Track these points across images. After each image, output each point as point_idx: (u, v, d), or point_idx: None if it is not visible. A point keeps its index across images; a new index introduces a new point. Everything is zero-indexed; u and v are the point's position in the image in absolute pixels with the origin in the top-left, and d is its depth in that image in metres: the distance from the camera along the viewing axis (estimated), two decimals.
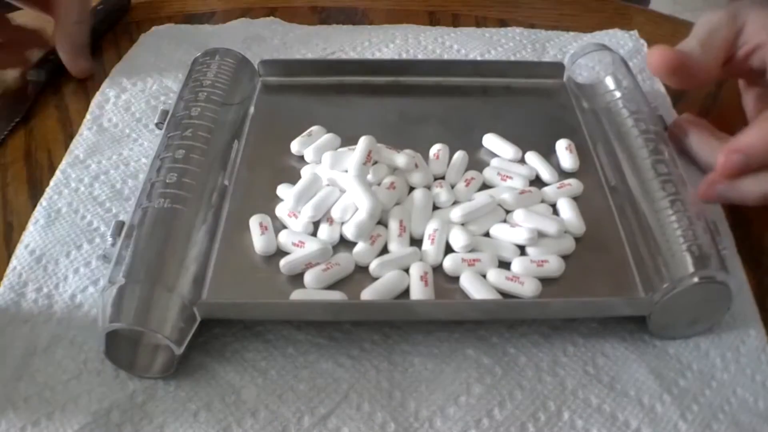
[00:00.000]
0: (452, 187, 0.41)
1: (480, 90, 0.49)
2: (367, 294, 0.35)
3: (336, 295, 0.35)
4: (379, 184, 0.40)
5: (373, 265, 0.36)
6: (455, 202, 0.40)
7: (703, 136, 0.44)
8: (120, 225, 0.37)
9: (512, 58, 0.55)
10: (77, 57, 0.52)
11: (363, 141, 0.40)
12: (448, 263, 0.37)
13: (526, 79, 0.50)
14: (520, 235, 0.37)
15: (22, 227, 0.41)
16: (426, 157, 0.43)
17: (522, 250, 0.38)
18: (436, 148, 0.43)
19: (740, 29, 0.41)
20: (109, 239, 0.37)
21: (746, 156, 0.36)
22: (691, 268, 0.34)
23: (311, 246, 0.37)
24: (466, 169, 0.42)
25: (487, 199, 0.39)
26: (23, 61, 0.53)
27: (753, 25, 0.40)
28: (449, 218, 0.39)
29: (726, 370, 0.35)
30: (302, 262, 0.36)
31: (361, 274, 0.37)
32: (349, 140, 0.44)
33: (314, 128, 0.44)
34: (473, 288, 0.36)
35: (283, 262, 0.36)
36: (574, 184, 0.41)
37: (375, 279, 0.36)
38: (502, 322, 0.37)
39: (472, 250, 0.37)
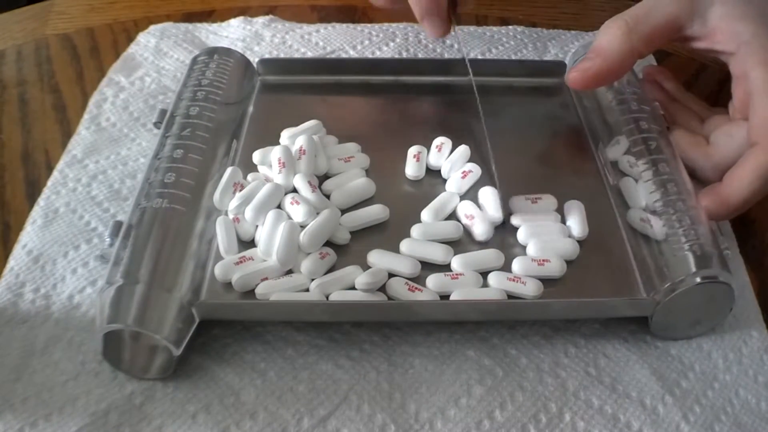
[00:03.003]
0: (445, 180, 0.42)
1: (481, 89, 0.49)
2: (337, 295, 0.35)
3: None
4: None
5: (313, 286, 0.35)
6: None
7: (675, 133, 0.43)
8: (118, 225, 0.36)
9: (513, 57, 0.54)
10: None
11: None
12: (432, 283, 0.36)
13: (527, 78, 0.49)
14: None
15: (20, 227, 0.41)
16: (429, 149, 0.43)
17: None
18: (439, 141, 0.43)
19: (690, 15, 0.40)
20: (107, 239, 0.36)
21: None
22: (693, 269, 0.34)
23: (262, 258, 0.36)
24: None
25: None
26: None
27: (718, 25, 0.40)
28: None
29: (728, 371, 0.35)
30: (257, 276, 0.35)
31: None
32: (348, 140, 0.44)
33: (311, 122, 0.44)
34: (471, 297, 0.35)
35: (235, 277, 0.35)
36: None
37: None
38: (503, 323, 0.36)
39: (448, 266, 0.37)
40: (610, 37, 0.40)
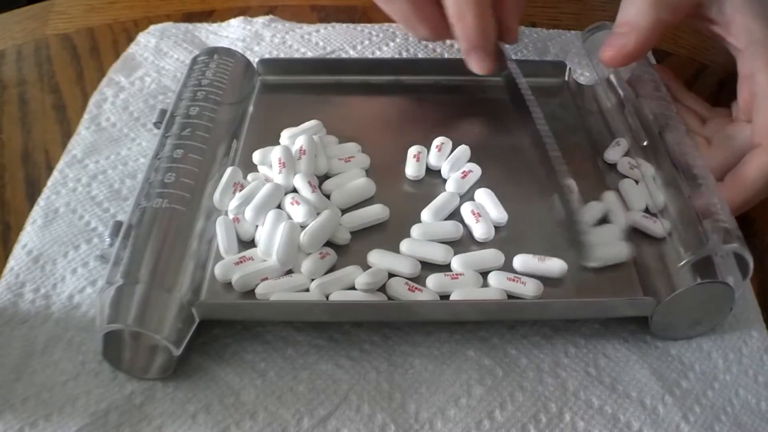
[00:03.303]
0: (445, 180, 0.42)
1: (480, 89, 0.49)
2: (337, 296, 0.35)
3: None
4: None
5: (314, 286, 0.35)
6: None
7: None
8: (118, 225, 0.36)
9: (513, 57, 0.54)
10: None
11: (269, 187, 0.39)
12: (432, 283, 0.36)
13: (527, 78, 0.49)
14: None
15: (20, 227, 0.41)
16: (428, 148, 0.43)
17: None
18: (439, 141, 0.43)
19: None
20: (107, 239, 0.36)
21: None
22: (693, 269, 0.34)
23: (262, 259, 0.36)
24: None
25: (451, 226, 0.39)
26: None
27: (733, 16, 0.40)
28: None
29: (728, 371, 0.35)
30: (257, 276, 0.35)
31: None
32: (348, 140, 0.44)
33: (311, 122, 0.44)
34: (471, 297, 0.35)
35: (235, 277, 0.35)
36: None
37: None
38: (503, 323, 0.36)
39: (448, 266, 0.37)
40: (636, 8, 0.40)
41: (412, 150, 0.43)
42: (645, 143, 0.40)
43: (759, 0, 0.40)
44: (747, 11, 0.39)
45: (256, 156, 0.41)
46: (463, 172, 0.41)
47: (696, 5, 0.40)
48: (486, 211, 0.39)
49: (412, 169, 0.42)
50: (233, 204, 0.38)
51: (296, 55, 0.54)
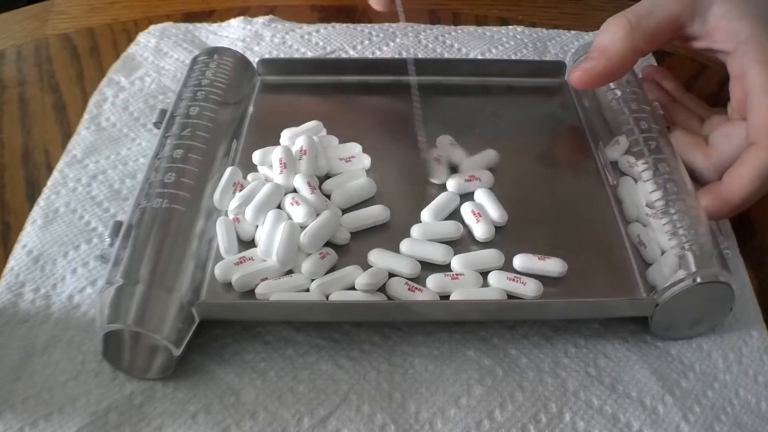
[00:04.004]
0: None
1: (481, 89, 0.49)
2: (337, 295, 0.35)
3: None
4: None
5: (314, 286, 0.35)
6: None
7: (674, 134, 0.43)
8: (118, 225, 0.36)
9: (513, 57, 0.54)
10: None
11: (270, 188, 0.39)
12: (432, 283, 0.36)
13: (527, 78, 0.49)
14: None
15: (20, 227, 0.41)
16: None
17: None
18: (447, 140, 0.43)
19: (691, 14, 0.40)
20: (107, 239, 0.36)
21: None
22: (693, 268, 0.34)
23: (261, 258, 0.36)
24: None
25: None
26: None
27: (718, 24, 0.40)
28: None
29: (728, 371, 0.35)
30: (257, 276, 0.35)
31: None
32: (348, 140, 0.44)
33: (311, 122, 0.44)
34: (470, 297, 0.35)
35: (235, 277, 0.35)
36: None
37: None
38: (503, 323, 0.36)
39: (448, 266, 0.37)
40: (612, 35, 0.40)
41: (432, 153, 0.42)
42: (643, 145, 0.40)
43: (740, 2, 0.40)
44: (730, 15, 0.40)
45: (256, 156, 0.41)
46: (470, 176, 0.41)
47: (678, 28, 0.41)
48: (486, 211, 0.39)
49: (436, 175, 0.41)
50: (233, 204, 0.38)
51: (296, 55, 0.54)
